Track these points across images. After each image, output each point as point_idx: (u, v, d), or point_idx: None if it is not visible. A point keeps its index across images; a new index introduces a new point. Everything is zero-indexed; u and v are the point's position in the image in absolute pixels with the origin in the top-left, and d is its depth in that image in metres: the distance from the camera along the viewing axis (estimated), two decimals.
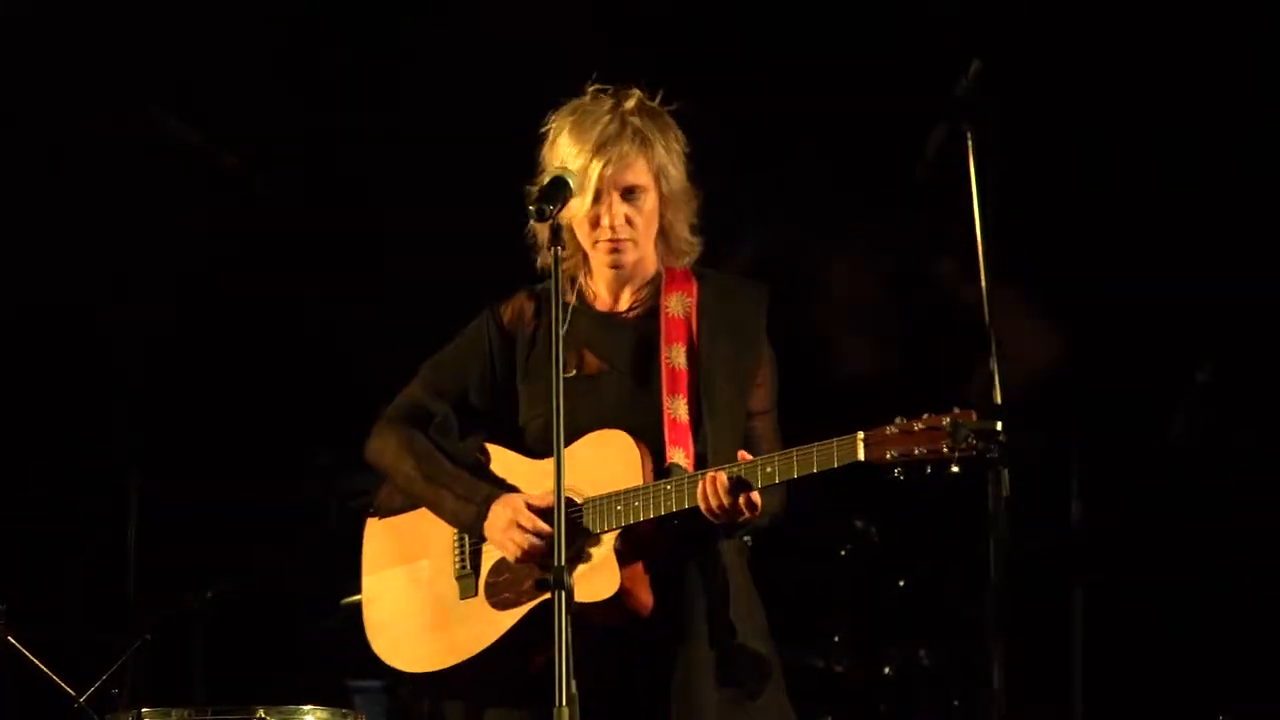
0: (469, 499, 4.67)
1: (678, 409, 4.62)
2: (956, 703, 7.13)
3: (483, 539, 4.67)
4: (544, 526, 4.56)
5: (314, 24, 7.50)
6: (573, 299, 4.75)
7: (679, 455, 4.60)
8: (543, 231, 4.60)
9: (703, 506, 4.47)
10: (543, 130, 4.75)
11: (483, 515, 4.64)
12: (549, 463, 4.53)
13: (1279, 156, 7.01)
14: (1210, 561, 7.01)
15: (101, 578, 7.09)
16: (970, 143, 4.94)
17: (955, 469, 4.34)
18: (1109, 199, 7.18)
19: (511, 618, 4.61)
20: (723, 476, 4.45)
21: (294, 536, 7.09)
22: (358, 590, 4.93)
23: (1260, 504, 6.91)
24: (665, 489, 4.52)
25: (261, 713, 5.07)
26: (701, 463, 4.60)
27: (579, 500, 4.59)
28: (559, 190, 4.46)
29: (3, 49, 7.27)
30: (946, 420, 4.33)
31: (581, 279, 4.78)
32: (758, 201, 7.31)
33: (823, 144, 7.30)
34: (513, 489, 4.69)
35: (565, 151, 4.66)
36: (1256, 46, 7.04)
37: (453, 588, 4.71)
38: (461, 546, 4.74)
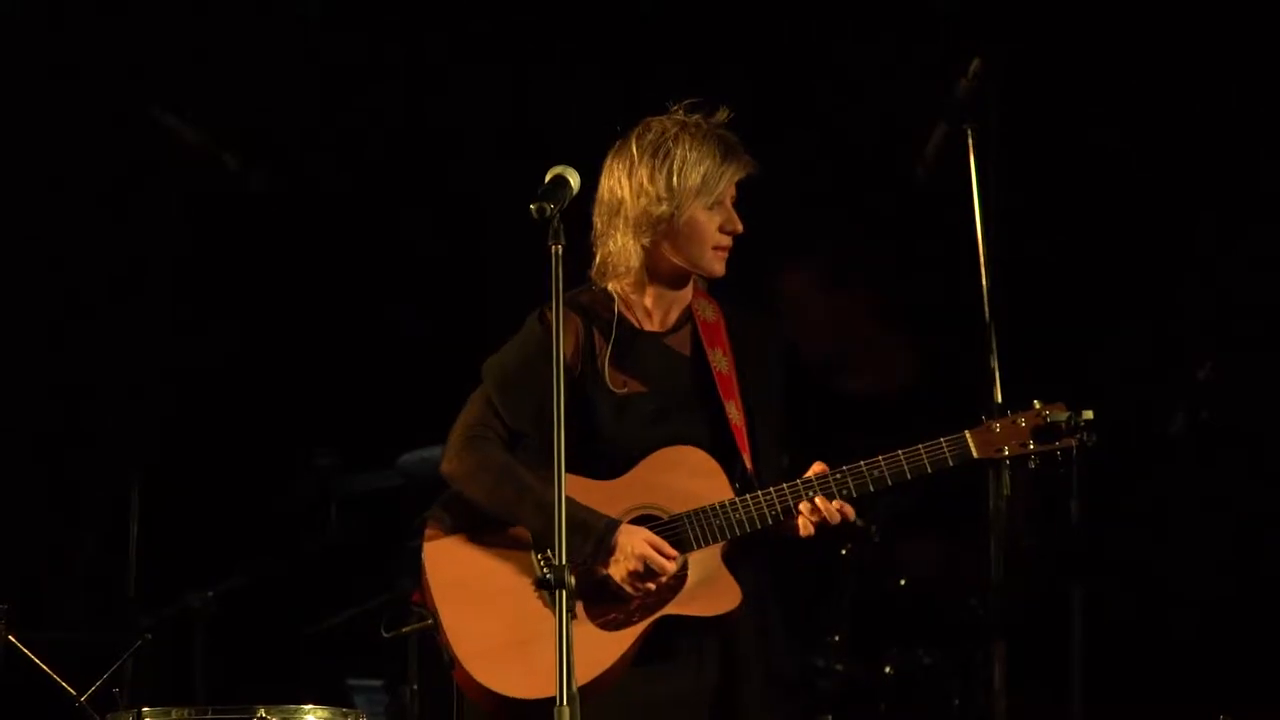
0: (590, 526, 4.65)
1: (733, 412, 4.74)
2: (957, 703, 7.13)
3: (590, 562, 4.65)
4: (665, 563, 4.61)
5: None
6: (615, 317, 4.83)
7: (747, 460, 4.72)
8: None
9: (806, 518, 4.64)
10: (649, 151, 4.74)
11: (606, 546, 4.64)
12: (620, 483, 4.70)
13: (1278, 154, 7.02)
14: (1210, 561, 7.02)
15: (101, 578, 7.08)
16: (970, 143, 4.94)
17: (1059, 457, 4.54)
18: (1109, 198, 7.18)
19: (628, 638, 4.62)
20: (822, 499, 4.61)
21: (294, 536, 7.09)
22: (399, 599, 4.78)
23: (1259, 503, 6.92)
24: (769, 498, 4.65)
25: (262, 713, 5.06)
26: (753, 460, 4.71)
27: (665, 516, 4.68)
28: (560, 189, 4.44)
29: (3, 48, 7.27)
30: (1049, 412, 4.54)
31: (633, 297, 4.83)
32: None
33: (823, 144, 7.30)
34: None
35: (704, 168, 4.72)
36: (1256, 44, 7.04)
37: (549, 617, 4.58)
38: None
